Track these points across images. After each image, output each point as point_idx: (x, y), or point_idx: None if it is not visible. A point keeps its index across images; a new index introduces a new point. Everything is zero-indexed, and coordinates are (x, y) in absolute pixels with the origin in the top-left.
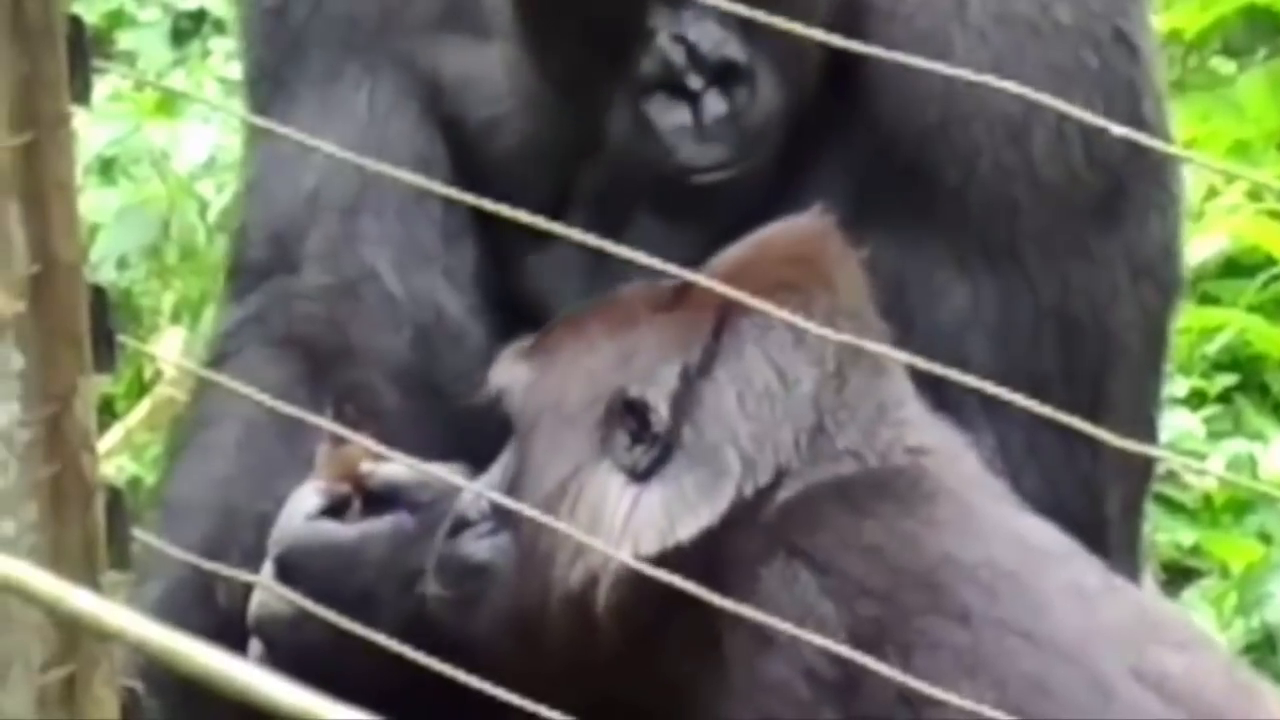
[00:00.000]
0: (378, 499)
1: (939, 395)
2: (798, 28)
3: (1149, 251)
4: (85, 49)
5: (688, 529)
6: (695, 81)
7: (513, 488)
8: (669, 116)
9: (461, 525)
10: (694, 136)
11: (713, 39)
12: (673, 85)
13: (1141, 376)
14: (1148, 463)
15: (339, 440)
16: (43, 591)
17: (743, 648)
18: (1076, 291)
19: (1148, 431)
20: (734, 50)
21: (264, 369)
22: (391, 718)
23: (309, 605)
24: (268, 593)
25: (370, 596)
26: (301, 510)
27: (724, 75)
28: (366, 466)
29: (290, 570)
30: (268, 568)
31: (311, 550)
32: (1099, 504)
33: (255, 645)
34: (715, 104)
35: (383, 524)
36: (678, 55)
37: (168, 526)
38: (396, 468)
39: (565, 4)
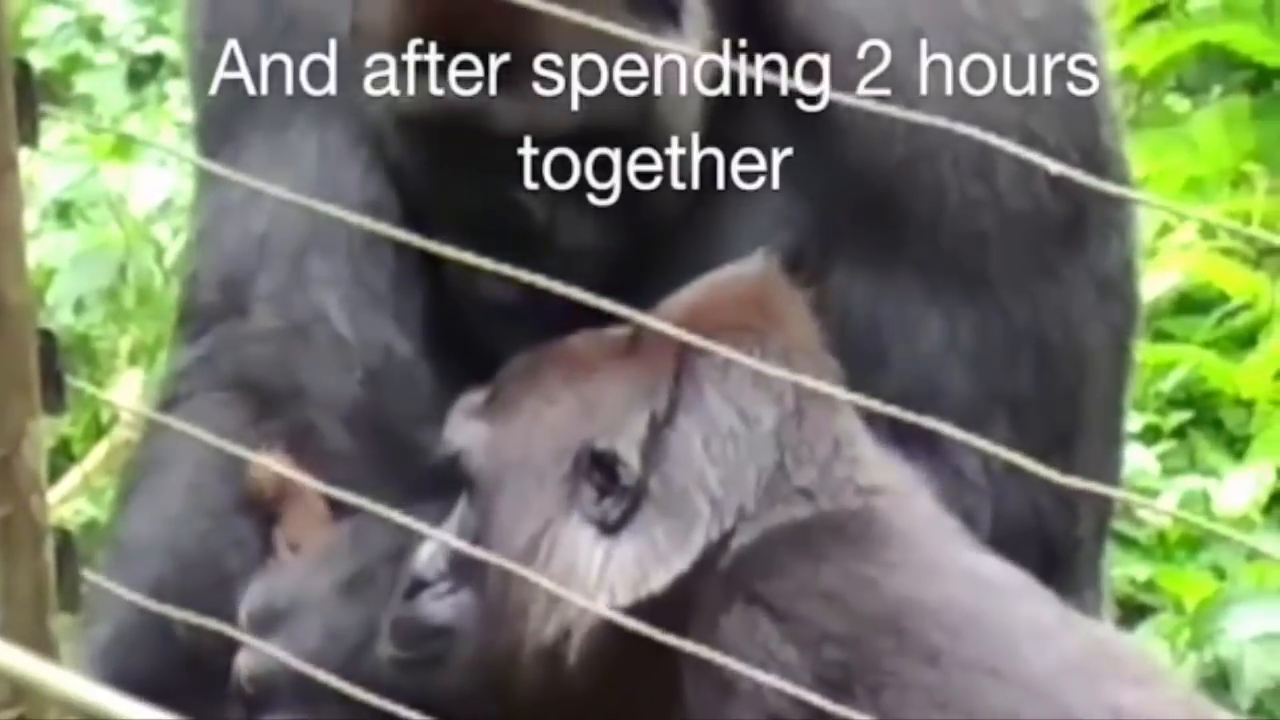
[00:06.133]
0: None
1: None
2: (782, 77)
3: (1112, 270)
4: (33, 92)
5: (660, 579)
6: None
7: (476, 546)
8: None
9: (419, 586)
10: None
11: None
12: None
13: (1111, 393)
14: (1114, 480)
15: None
16: None
17: (707, 695)
18: (1049, 315)
19: (1117, 448)
20: None
21: (214, 412)
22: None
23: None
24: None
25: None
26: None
27: None
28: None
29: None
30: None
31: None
32: (1075, 522)
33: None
34: None
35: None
36: None
37: (118, 568)
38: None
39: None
